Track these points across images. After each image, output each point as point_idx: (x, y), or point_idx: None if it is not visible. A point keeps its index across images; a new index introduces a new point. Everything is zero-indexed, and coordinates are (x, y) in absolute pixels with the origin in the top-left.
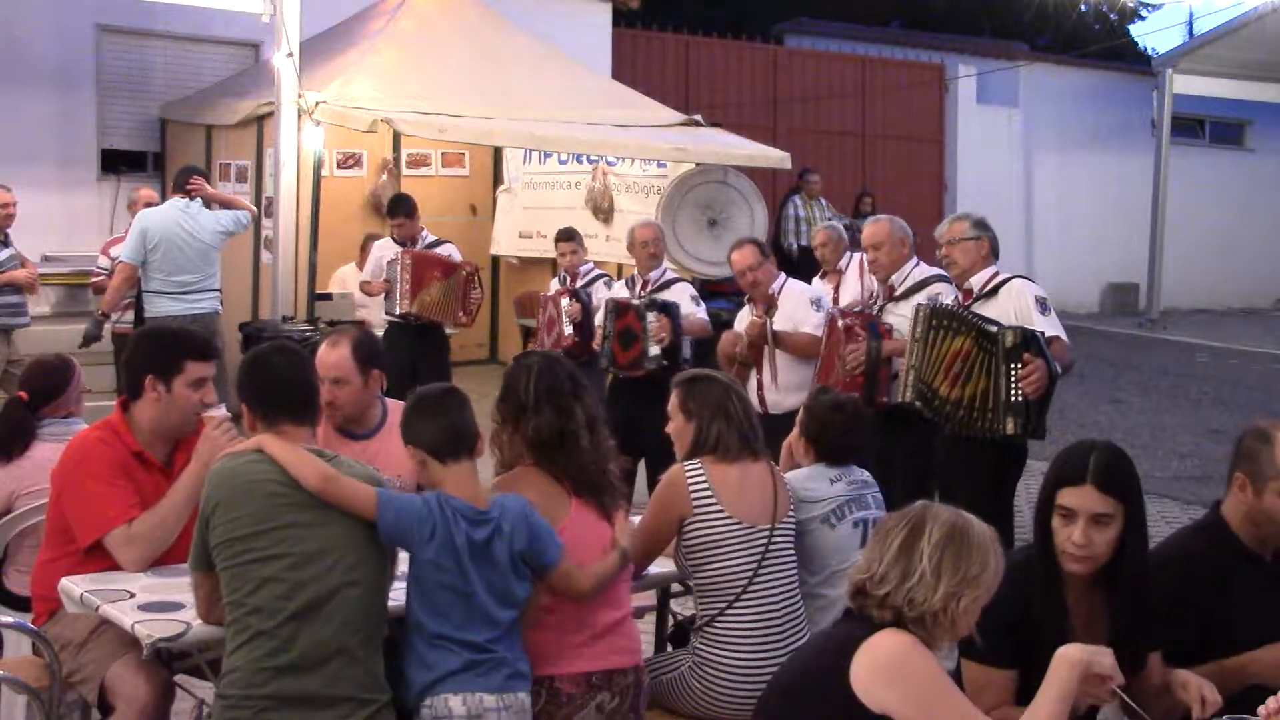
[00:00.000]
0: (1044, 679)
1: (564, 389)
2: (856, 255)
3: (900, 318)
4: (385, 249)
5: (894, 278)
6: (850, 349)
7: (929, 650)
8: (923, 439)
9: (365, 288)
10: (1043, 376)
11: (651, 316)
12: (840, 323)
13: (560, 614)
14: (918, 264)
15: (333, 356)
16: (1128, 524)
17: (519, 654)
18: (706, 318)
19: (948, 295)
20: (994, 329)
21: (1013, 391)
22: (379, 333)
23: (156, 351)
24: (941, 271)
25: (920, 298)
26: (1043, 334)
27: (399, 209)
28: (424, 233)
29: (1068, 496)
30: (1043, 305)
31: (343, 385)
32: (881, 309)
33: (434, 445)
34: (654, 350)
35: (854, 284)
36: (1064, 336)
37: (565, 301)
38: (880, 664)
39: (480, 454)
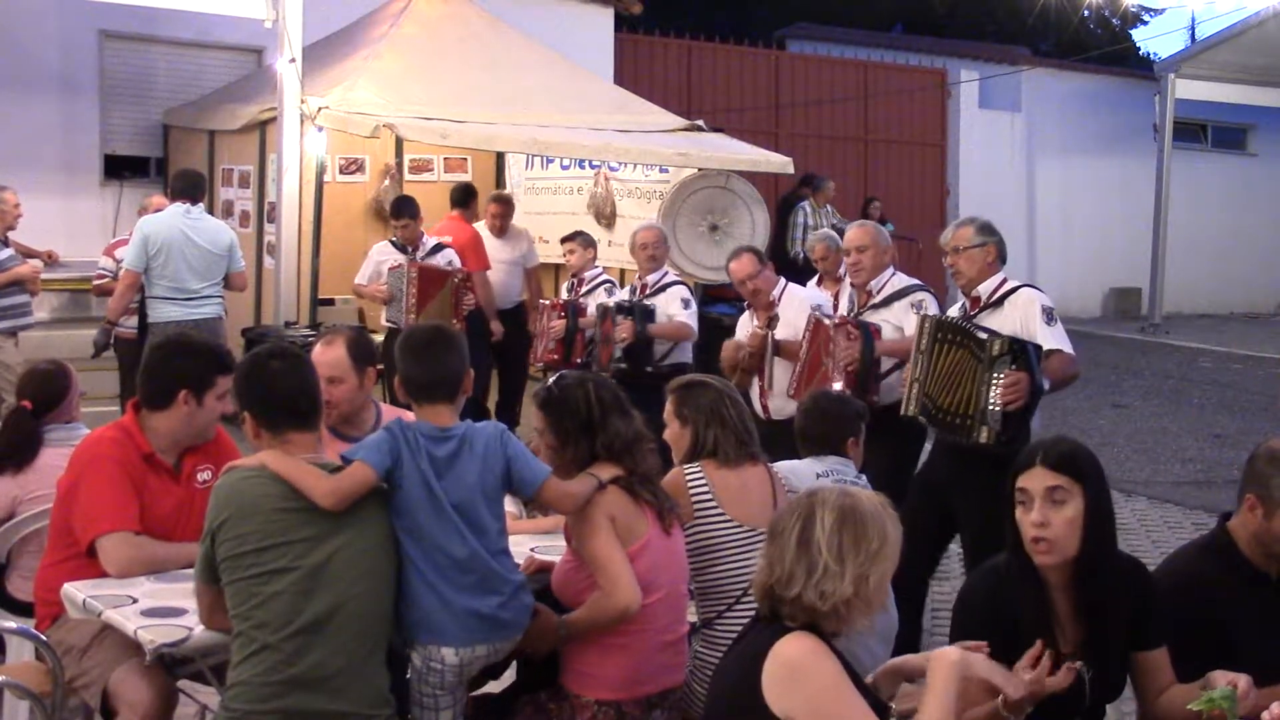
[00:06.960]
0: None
1: (623, 400)
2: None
3: (883, 323)
4: (384, 254)
5: (872, 284)
6: (845, 346)
7: (830, 652)
8: (899, 439)
9: (360, 290)
10: (1022, 389)
11: (619, 318)
12: (828, 322)
13: (631, 640)
14: (895, 274)
15: (328, 355)
16: (1088, 507)
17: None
18: (689, 321)
19: (931, 303)
20: (984, 336)
21: (991, 400)
22: (378, 338)
23: (191, 366)
24: (920, 281)
25: (900, 305)
26: (1039, 347)
27: (404, 211)
28: (424, 237)
29: (1022, 481)
30: (1048, 315)
31: (338, 383)
32: (858, 315)
33: (405, 387)
34: (616, 352)
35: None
36: (1067, 349)
37: (555, 317)
38: (781, 670)
39: (463, 393)
